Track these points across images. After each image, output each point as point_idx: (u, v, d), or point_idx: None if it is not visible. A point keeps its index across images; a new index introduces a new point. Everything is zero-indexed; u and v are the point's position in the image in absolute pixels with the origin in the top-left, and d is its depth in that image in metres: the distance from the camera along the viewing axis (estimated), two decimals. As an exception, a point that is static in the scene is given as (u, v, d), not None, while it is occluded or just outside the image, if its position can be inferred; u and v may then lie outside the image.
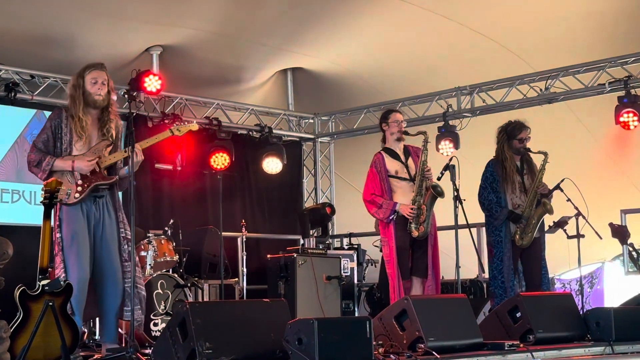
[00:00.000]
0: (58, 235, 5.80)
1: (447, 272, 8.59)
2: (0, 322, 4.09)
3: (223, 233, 8.25)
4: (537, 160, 8.03)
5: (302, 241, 10.77)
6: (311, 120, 12.09)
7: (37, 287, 5.13)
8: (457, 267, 7.30)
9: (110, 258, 5.93)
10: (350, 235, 11.19)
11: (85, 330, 7.10)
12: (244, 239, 9.61)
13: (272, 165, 11.16)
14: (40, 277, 5.14)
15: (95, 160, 5.90)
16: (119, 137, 6.22)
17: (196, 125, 6.54)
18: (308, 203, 12.01)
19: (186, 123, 6.48)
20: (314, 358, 4.84)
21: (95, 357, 5.80)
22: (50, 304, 5.02)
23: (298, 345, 4.92)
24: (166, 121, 9.93)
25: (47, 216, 5.20)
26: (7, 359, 4.12)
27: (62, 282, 5.16)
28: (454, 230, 7.42)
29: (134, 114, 6.21)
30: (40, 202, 5.24)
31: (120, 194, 6.27)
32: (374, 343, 5.26)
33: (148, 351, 5.75)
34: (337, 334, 5.01)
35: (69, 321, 5.25)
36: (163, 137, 6.29)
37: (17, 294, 5.06)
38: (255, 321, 5.15)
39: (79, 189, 5.86)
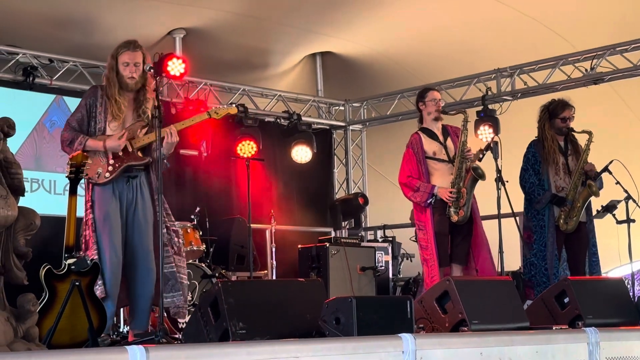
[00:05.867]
0: (90, 216, 5.86)
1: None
2: (28, 295, 4.16)
3: (251, 224, 8.32)
4: (581, 141, 7.99)
5: (333, 234, 10.80)
6: (342, 107, 12.14)
7: (63, 266, 5.19)
8: (500, 251, 7.27)
9: (142, 241, 5.97)
10: (384, 227, 11.21)
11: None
12: (273, 231, 9.65)
13: (302, 154, 11.21)
14: (66, 255, 5.20)
15: (125, 138, 5.96)
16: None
17: (235, 108, 6.66)
18: (339, 194, 12.04)
19: (225, 106, 6.57)
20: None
21: (124, 341, 5.86)
22: (77, 283, 5.07)
23: (335, 325, 4.94)
24: (190, 107, 10.01)
25: (72, 191, 5.27)
26: (35, 333, 4.19)
27: (89, 261, 5.22)
28: (492, 220, 7.41)
29: (161, 90, 6.23)
30: (66, 177, 5.31)
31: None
32: (415, 325, 5.28)
33: (178, 335, 5.80)
34: (376, 314, 5.02)
35: (96, 302, 5.30)
36: (200, 119, 6.39)
37: (43, 274, 5.12)
38: (290, 301, 5.16)
39: (110, 168, 5.93)
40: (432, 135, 7.58)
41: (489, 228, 7.76)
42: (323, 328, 5.01)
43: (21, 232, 4.24)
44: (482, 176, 7.43)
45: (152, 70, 6.13)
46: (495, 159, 7.28)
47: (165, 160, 5.99)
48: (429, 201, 7.39)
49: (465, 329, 5.58)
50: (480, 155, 7.44)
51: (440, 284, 5.90)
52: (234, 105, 6.72)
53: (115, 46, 6.23)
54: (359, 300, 4.95)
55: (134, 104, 6.12)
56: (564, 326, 6.04)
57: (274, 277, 9.50)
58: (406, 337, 4.23)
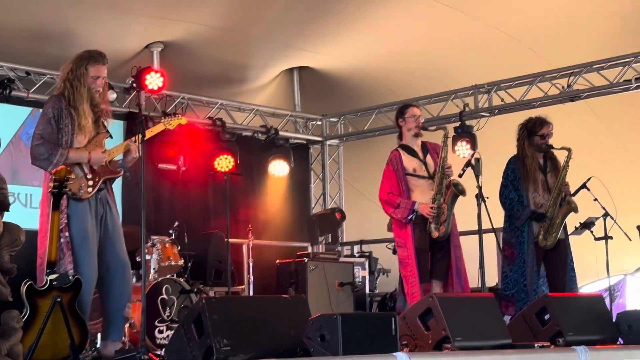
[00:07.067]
0: (66, 233, 5.74)
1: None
2: (12, 312, 4.12)
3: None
4: (560, 158, 8.03)
5: (310, 249, 10.78)
6: (319, 122, 12.14)
7: (44, 282, 5.14)
8: (481, 267, 7.26)
9: (117, 254, 5.98)
10: (361, 242, 11.21)
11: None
12: (251, 245, 9.60)
13: (279, 168, 11.20)
14: (48, 271, 5.14)
15: (107, 153, 5.97)
16: None
17: (185, 119, 6.74)
18: (316, 209, 12.02)
19: (176, 117, 6.63)
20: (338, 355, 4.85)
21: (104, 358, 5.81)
22: (59, 299, 5.02)
23: (320, 342, 4.93)
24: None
25: (56, 206, 5.21)
26: (19, 351, 4.14)
27: (70, 277, 5.17)
28: (471, 235, 7.41)
29: (140, 104, 6.24)
30: (49, 192, 5.25)
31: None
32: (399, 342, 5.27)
33: (159, 352, 5.76)
34: (361, 330, 5.02)
35: (77, 319, 5.25)
36: (157, 130, 6.46)
37: (24, 289, 5.06)
38: (274, 317, 5.16)
39: (90, 183, 5.89)
40: (411, 152, 7.58)
41: (469, 244, 7.77)
42: (308, 345, 5.00)
43: (6, 248, 4.21)
44: (462, 192, 7.44)
45: (134, 84, 6.11)
46: (477, 175, 7.27)
47: (127, 173, 6.16)
48: (409, 217, 7.39)
49: (449, 345, 5.59)
50: (461, 172, 7.46)
51: (423, 301, 5.90)
52: (180, 116, 6.77)
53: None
54: (344, 317, 4.94)
55: (92, 115, 6.08)
56: (545, 343, 6.07)
57: (252, 293, 9.45)
58: (401, 356, 4.22)
